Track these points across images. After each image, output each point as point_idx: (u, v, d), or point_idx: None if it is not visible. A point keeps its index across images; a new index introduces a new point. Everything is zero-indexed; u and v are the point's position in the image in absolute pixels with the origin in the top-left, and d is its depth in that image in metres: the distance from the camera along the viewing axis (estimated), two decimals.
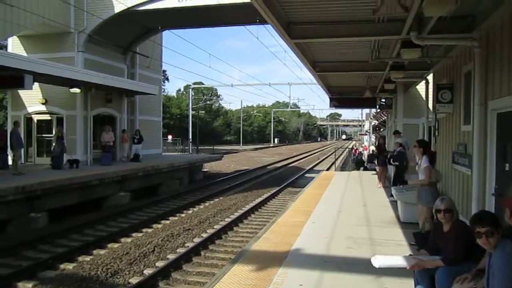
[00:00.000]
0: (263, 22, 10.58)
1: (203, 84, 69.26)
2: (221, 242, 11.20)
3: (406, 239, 7.96)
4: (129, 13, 19.62)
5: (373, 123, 44.49)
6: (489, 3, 6.39)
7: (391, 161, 13.10)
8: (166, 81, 71.11)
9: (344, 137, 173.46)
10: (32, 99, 19.48)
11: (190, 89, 56.30)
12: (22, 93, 19.41)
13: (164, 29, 24.78)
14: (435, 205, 4.71)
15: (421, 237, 6.95)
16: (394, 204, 11.00)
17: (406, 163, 12.59)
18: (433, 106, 9.89)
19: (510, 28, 5.81)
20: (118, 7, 19.22)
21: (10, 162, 16.38)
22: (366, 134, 53.37)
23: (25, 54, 19.45)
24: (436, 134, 11.02)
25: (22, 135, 18.87)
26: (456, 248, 4.33)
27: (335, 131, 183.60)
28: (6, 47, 21.87)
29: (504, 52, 6.01)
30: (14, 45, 20.25)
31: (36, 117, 20.04)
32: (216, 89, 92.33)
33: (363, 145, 52.29)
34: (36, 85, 16.95)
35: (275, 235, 8.46)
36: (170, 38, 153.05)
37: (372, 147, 17.46)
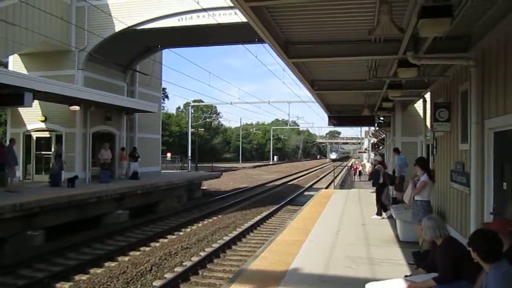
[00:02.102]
0: (261, 41, 10.67)
1: (202, 102, 69.48)
2: (219, 261, 11.10)
3: (405, 258, 7.90)
4: (129, 32, 19.83)
5: (372, 141, 44.61)
6: (484, 24, 6.49)
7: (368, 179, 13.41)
8: (165, 99, 71.44)
9: (333, 156, 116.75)
10: (32, 117, 19.55)
11: (190, 107, 56.54)
12: (22, 110, 19.49)
13: (164, 47, 25.04)
14: (422, 223, 4.76)
15: (420, 256, 6.89)
16: (393, 222, 10.95)
17: (384, 181, 12.79)
18: (431, 125, 9.94)
19: (505, 48, 5.88)
20: (119, 26, 19.43)
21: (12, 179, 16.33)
22: (365, 152, 53.47)
23: (25, 71, 19.62)
24: (434, 152, 11.04)
25: (20, 152, 18.95)
26: (444, 265, 4.30)
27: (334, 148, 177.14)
28: (6, 64, 22.04)
29: (500, 71, 6.07)
30: (15, 63, 20.42)
31: (35, 135, 20.08)
32: (215, 107, 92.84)
33: (362, 162, 52.27)
34: (36, 102, 17.01)
35: (273, 254, 8.40)
36: (170, 56, 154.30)
37: (369, 165, 17.52)
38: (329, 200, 16.99)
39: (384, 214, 12.64)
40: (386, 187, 13.03)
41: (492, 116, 6.45)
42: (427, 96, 12.65)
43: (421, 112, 14.13)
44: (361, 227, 11.29)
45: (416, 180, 8.26)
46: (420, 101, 13.65)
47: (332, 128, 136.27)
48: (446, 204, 9.65)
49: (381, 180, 13.00)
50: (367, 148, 51.21)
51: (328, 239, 9.69)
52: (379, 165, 13.27)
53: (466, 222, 7.53)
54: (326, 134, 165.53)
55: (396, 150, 14.73)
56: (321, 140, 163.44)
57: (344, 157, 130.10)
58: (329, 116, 18.90)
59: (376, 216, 12.71)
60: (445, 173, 9.75)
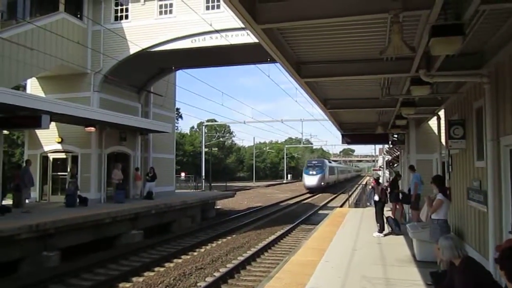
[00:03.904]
0: (273, 61, 10.80)
1: (216, 121, 69.95)
2: (233, 282, 11.01)
3: (423, 278, 7.76)
4: (144, 54, 20.21)
5: (386, 159, 44.22)
6: (497, 41, 6.48)
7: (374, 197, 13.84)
8: (179, 119, 72.01)
9: (312, 179, 47.83)
10: (49, 138, 19.89)
11: (203, 126, 56.98)
12: (39, 132, 19.86)
13: (177, 68, 25.40)
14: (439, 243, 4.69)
15: (438, 276, 6.75)
16: (409, 241, 10.79)
17: (380, 198, 13.28)
18: (446, 142, 9.84)
19: None
20: (133, 49, 19.83)
21: (27, 200, 16.59)
22: (380, 170, 52.94)
23: (43, 94, 20.03)
24: (450, 170, 10.90)
25: (37, 173, 19.25)
26: (463, 287, 4.21)
27: None
28: (25, 87, 22.57)
29: None
30: (33, 86, 20.89)
31: (52, 156, 20.39)
32: (229, 126, 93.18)
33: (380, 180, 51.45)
34: (52, 124, 17.33)
35: (288, 274, 8.32)
36: (183, 77, 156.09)
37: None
38: (344, 219, 16.82)
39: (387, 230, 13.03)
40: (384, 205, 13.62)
41: (507, 133, 6.37)
42: (441, 113, 12.56)
43: (435, 129, 14.01)
44: (377, 246, 11.14)
45: (432, 198, 8.16)
46: (434, 118, 13.55)
47: (346, 146, 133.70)
48: (464, 223, 9.48)
49: (376, 198, 13.46)
50: (382, 166, 50.67)
51: (344, 259, 9.57)
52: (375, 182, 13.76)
53: (485, 241, 7.39)
54: (340, 152, 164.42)
55: (412, 168, 14.58)
56: (334, 158, 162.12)
57: (349, 179, 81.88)
58: (342, 134, 18.84)
59: (378, 234, 12.93)
60: (461, 191, 9.61)
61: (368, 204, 13.55)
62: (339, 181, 64.72)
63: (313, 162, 52.99)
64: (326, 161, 56.04)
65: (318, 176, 47.67)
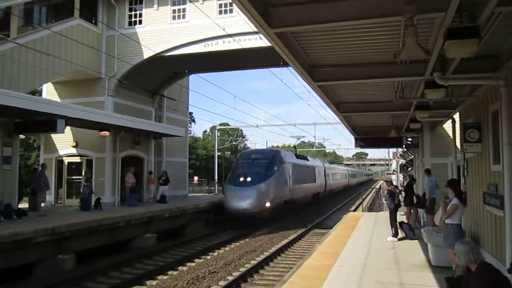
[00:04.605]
0: (286, 65, 10.84)
1: (228, 125, 70.07)
2: (246, 286, 11.00)
3: (438, 284, 7.66)
4: (157, 59, 20.39)
5: (400, 162, 43.86)
6: None
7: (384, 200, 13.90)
8: (192, 123, 72.30)
9: (239, 203, 20.04)
10: (64, 142, 20.15)
11: (216, 130, 57.09)
12: (54, 136, 20.14)
13: (190, 73, 25.59)
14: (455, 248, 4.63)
15: (454, 282, 6.67)
16: (424, 246, 10.67)
17: (398, 203, 13.48)
18: (461, 146, 9.72)
19: None
20: (147, 53, 20.01)
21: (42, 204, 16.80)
22: (394, 173, 52.51)
23: (58, 99, 20.32)
24: (466, 174, 10.75)
25: (52, 177, 19.53)
26: None
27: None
28: (40, 92, 22.93)
29: None
30: (48, 91, 21.21)
31: (67, 160, 20.64)
32: (241, 130, 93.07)
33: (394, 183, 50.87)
34: (67, 128, 17.55)
35: (301, 279, 8.28)
36: (196, 81, 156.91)
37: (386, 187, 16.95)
38: (358, 223, 16.70)
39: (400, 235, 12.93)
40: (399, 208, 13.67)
41: None
42: (456, 116, 12.41)
43: (450, 133, 13.84)
44: (391, 251, 11.03)
45: (447, 202, 8.07)
46: (449, 122, 13.39)
47: (360, 150, 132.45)
48: (480, 228, 9.34)
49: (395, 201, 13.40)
50: (395, 170, 50.23)
51: (358, 264, 9.50)
52: (392, 186, 13.50)
53: (502, 246, 7.26)
54: (353, 155, 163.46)
55: (428, 172, 14.44)
56: (348, 162, 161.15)
57: (353, 186, 62.08)
58: (355, 138, 18.73)
59: (392, 238, 12.80)
60: (477, 196, 9.47)
61: (390, 208, 13.47)
62: (337, 191, 43.60)
63: (253, 156, 24.10)
64: (286, 153, 27.51)
65: (257, 188, 21.00)
